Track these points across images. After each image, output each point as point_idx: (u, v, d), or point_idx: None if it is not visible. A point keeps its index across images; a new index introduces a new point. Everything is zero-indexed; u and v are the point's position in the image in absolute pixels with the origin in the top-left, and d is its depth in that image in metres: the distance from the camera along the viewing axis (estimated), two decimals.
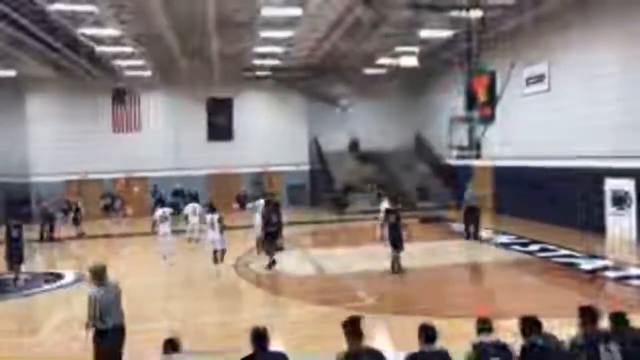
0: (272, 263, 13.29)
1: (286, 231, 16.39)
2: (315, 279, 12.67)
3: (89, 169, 26.34)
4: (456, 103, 21.68)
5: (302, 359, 6.64)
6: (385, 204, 14.12)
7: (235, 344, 7.01)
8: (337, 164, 28.15)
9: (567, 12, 16.90)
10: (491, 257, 14.52)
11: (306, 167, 29.12)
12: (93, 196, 25.09)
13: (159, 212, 14.90)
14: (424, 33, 19.80)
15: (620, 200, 15.78)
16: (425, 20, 18.28)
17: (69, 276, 13.34)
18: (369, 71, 26.77)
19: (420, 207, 24.07)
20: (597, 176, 16.34)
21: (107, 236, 20.51)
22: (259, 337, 4.84)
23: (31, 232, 21.07)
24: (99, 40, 19.13)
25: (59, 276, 13.42)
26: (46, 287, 12.51)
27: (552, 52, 18.45)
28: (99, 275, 6.18)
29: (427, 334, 4.79)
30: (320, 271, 13.37)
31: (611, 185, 16.09)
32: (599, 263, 12.81)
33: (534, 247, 14.95)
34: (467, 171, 23.09)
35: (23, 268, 13.12)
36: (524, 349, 4.92)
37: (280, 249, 15.37)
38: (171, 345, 5.86)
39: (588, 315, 5.13)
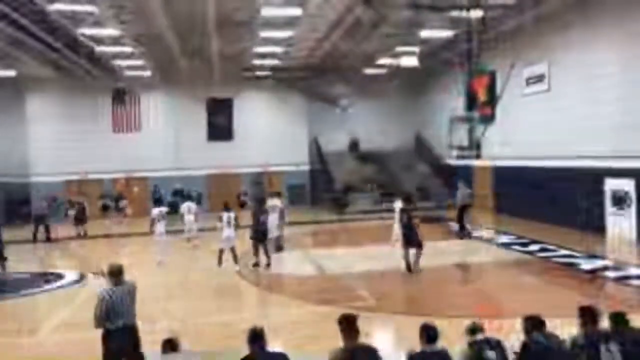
0: (264, 263, 13.42)
1: (286, 231, 16.42)
2: (316, 279, 12.66)
3: (89, 169, 26.35)
4: (456, 103, 21.67)
5: (302, 359, 6.64)
6: (398, 204, 14.17)
7: (235, 344, 7.01)
8: (337, 164, 28.14)
9: (567, 12, 16.90)
10: (491, 257, 14.52)
11: (306, 167, 29.11)
12: (93, 196, 25.07)
13: (156, 211, 14.88)
14: (424, 33, 19.80)
15: (620, 200, 15.78)
16: (425, 20, 18.28)
17: (69, 276, 13.34)
18: (369, 71, 26.76)
19: (420, 207, 24.04)
20: (597, 176, 16.34)
21: (106, 236, 20.50)
22: (256, 337, 4.84)
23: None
24: (99, 40, 19.12)
25: (59, 276, 13.43)
26: (46, 287, 12.51)
27: (552, 52, 18.45)
28: (114, 274, 6.16)
29: (429, 334, 4.80)
30: (321, 271, 13.37)
31: (611, 185, 16.09)
32: (599, 263, 12.81)
33: (534, 247, 14.94)
34: (466, 171, 23.11)
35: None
36: (524, 345, 4.93)
37: (280, 248, 15.40)
38: (170, 345, 5.87)
39: (588, 315, 5.13)
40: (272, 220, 14.93)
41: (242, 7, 16.53)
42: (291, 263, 14.49)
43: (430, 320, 5.04)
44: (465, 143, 19.94)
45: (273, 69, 25.72)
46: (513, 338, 5.36)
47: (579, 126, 17.02)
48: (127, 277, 6.30)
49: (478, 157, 20.19)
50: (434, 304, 10.38)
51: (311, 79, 27.11)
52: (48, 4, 15.01)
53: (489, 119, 19.64)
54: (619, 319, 5.14)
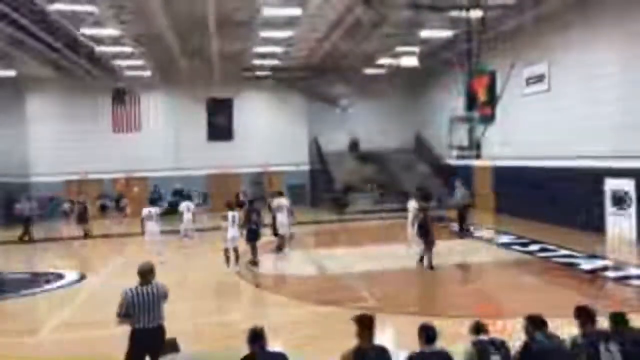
0: (254, 263, 13.55)
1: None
2: (316, 279, 12.65)
3: (89, 169, 26.36)
4: (456, 103, 21.67)
5: (302, 359, 6.63)
6: (413, 203, 14.18)
7: (235, 344, 7.01)
8: (337, 164, 28.14)
9: (567, 12, 16.90)
10: (491, 257, 14.51)
11: (306, 167, 29.12)
12: (92, 196, 25.09)
13: (145, 211, 14.83)
14: (424, 33, 19.80)
15: (620, 200, 15.77)
16: (425, 20, 18.29)
17: (69, 276, 13.34)
18: (369, 71, 26.76)
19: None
20: (597, 176, 16.34)
21: (106, 236, 20.49)
22: (256, 337, 4.85)
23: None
24: (99, 40, 19.13)
25: (59, 276, 13.42)
26: (46, 287, 12.51)
27: (552, 52, 18.45)
28: (141, 274, 6.16)
29: (428, 334, 4.80)
30: (321, 271, 13.36)
31: (611, 185, 16.08)
32: (599, 263, 12.81)
33: (534, 247, 14.94)
34: (466, 171, 23.11)
35: None
36: (525, 345, 4.93)
37: (281, 248, 15.41)
38: (170, 345, 5.87)
39: (584, 315, 5.14)
40: (282, 218, 15.22)
41: (242, 7, 16.54)
42: (291, 263, 14.50)
43: (430, 320, 5.03)
44: (465, 143, 19.95)
45: (273, 69, 25.73)
46: (514, 338, 5.35)
47: (579, 126, 17.02)
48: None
49: (478, 157, 20.19)
50: (434, 304, 10.38)
51: (311, 79, 27.12)
52: (48, 4, 15.01)
53: (489, 119, 19.64)
54: (618, 319, 5.14)
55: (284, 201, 15.75)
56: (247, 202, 15.65)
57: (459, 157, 21.46)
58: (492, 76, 20.27)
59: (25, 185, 26.05)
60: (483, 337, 4.97)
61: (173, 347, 5.84)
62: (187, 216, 17.70)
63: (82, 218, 20.53)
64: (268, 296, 11.51)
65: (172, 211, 20.81)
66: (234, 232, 13.25)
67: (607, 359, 4.81)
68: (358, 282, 11.69)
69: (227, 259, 13.22)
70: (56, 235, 20.70)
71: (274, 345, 5.11)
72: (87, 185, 26.31)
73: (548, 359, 4.84)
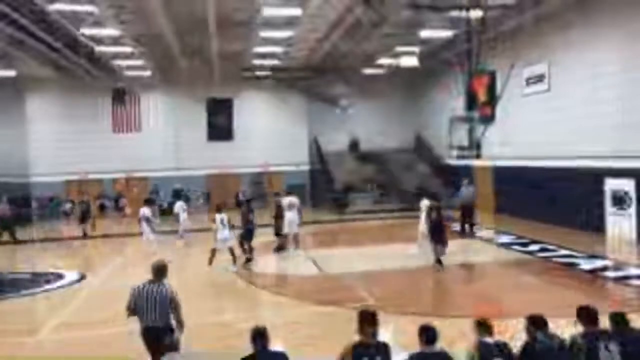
0: (248, 260, 13.72)
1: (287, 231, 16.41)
2: (316, 279, 12.65)
3: (89, 169, 26.36)
4: (456, 103, 21.66)
5: (302, 359, 6.63)
6: (426, 201, 14.24)
7: (235, 344, 7.01)
8: (337, 164, 28.14)
9: (567, 12, 16.88)
10: (491, 257, 14.51)
11: (306, 167, 29.12)
12: (92, 196, 25.09)
13: (142, 211, 15.11)
14: (424, 33, 19.81)
15: (620, 200, 15.77)
16: (425, 20, 18.29)
17: (69, 276, 13.34)
18: (369, 71, 26.76)
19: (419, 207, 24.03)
20: (597, 176, 16.33)
21: (105, 236, 20.49)
22: (260, 336, 4.85)
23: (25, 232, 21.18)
24: (99, 40, 19.13)
25: (59, 276, 13.42)
26: (46, 287, 12.51)
27: (552, 52, 18.45)
28: (153, 272, 6.21)
29: (428, 335, 4.79)
30: (321, 271, 13.35)
31: (611, 185, 16.08)
32: (599, 263, 12.80)
33: (534, 247, 14.93)
34: (466, 171, 23.09)
35: None
36: (526, 345, 4.93)
37: (281, 248, 15.41)
38: (170, 345, 5.87)
39: (586, 315, 5.13)
40: (292, 216, 15.39)
41: (242, 7, 16.54)
42: (291, 263, 14.49)
43: (429, 321, 5.03)
44: (465, 143, 19.94)
45: (273, 69, 25.73)
46: (515, 338, 5.35)
47: (579, 126, 17.02)
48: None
49: (478, 157, 20.18)
50: (434, 304, 10.38)
51: (311, 79, 27.12)
52: (48, 4, 15.01)
53: (489, 119, 19.61)
54: (619, 319, 5.14)
55: (295, 200, 15.89)
56: (245, 201, 15.70)
57: (459, 157, 21.46)
58: (492, 76, 20.22)
59: (25, 185, 26.07)
60: (487, 339, 4.96)
61: (173, 346, 5.83)
62: (183, 216, 17.76)
63: (85, 217, 20.57)
64: (268, 296, 11.50)
65: (170, 211, 20.82)
66: (225, 233, 13.32)
67: (606, 358, 4.81)
68: (358, 282, 11.68)
69: (210, 259, 13.37)
70: (56, 235, 20.68)
71: (273, 345, 5.10)
72: (87, 185, 26.32)
73: (549, 359, 4.84)
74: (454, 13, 16.60)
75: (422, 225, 13.80)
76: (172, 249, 16.07)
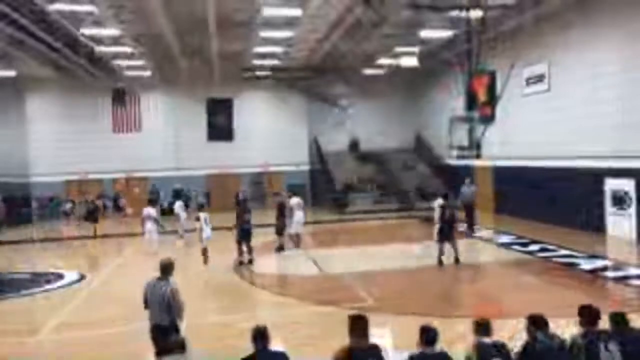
0: (249, 261, 13.74)
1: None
2: (316, 279, 12.65)
3: (89, 169, 26.37)
4: (456, 103, 21.66)
5: (302, 359, 6.63)
6: (439, 201, 14.24)
7: (235, 344, 7.01)
8: (337, 164, 28.14)
9: (567, 12, 16.88)
10: (491, 257, 14.52)
11: (306, 167, 29.13)
12: (92, 196, 25.10)
13: (144, 211, 15.24)
14: (424, 33, 19.81)
15: (620, 200, 15.77)
16: (425, 20, 18.29)
17: (69, 276, 13.34)
18: (369, 71, 26.76)
19: (419, 207, 24.03)
20: (597, 176, 16.33)
21: (105, 236, 20.49)
22: (261, 336, 4.85)
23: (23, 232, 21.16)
24: (99, 40, 19.14)
25: (59, 276, 13.42)
26: (46, 287, 12.51)
27: (552, 52, 18.45)
28: (161, 269, 6.31)
29: (428, 335, 4.78)
30: (321, 271, 13.35)
31: (611, 185, 16.08)
32: (599, 263, 12.80)
33: (534, 247, 14.93)
34: (466, 171, 23.08)
35: None
36: (526, 345, 4.93)
37: (281, 248, 15.41)
38: (178, 345, 5.85)
39: (587, 315, 5.13)
40: (300, 217, 15.60)
41: (242, 7, 16.54)
42: (291, 263, 14.49)
43: (429, 321, 5.02)
44: (465, 143, 19.93)
45: (273, 69, 25.73)
46: (516, 338, 5.34)
47: (579, 126, 17.02)
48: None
49: (478, 157, 20.17)
50: (434, 304, 10.37)
51: (311, 79, 27.13)
52: (48, 4, 15.02)
53: (489, 119, 19.60)
54: (619, 319, 5.14)
55: (300, 200, 16.15)
56: (241, 201, 15.73)
57: (459, 157, 21.44)
58: (492, 76, 20.21)
59: (25, 185, 26.07)
60: (486, 339, 4.95)
61: (180, 346, 5.80)
62: (183, 216, 17.84)
63: (95, 217, 20.59)
64: (268, 296, 11.50)
65: (171, 211, 20.85)
66: (208, 232, 13.83)
67: (606, 358, 4.81)
68: (358, 282, 11.68)
69: (205, 259, 13.61)
70: (56, 235, 20.67)
71: (273, 345, 5.10)
72: (87, 185, 26.32)
73: (549, 359, 4.84)
74: (454, 13, 16.59)
75: (437, 225, 13.85)
76: (173, 248, 16.07)
